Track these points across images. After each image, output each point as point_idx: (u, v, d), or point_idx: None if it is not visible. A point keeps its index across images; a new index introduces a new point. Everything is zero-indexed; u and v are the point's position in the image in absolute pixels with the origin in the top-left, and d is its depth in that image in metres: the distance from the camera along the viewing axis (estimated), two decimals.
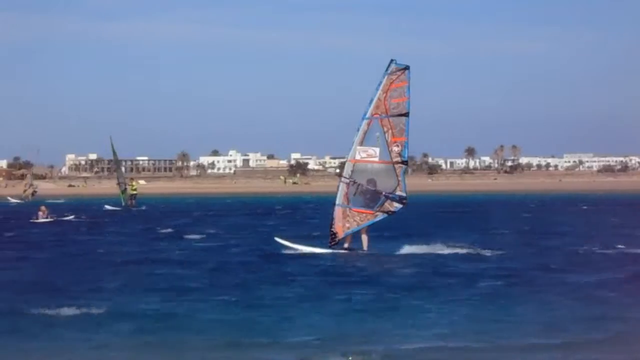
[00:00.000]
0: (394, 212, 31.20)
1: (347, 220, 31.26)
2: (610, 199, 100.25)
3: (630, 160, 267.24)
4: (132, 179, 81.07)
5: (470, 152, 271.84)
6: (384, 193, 31.05)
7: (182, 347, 16.25)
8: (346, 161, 31.90)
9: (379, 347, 15.94)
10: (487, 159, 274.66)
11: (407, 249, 32.00)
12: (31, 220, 56.73)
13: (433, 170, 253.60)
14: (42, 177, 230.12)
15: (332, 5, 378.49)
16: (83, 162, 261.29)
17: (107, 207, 77.33)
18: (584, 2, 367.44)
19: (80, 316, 19.19)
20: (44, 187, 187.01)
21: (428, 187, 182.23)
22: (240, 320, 18.69)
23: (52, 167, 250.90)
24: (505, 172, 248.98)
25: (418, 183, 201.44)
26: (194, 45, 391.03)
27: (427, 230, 44.06)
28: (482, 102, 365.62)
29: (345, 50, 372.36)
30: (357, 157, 31.36)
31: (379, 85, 31.21)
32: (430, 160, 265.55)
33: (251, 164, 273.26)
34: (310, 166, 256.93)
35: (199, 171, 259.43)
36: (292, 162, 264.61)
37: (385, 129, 31.04)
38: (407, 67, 31.16)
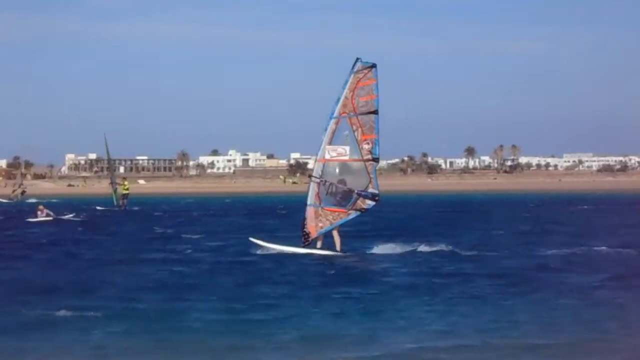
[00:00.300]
0: (366, 210, 31.18)
1: (319, 220, 31.22)
2: (610, 198, 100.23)
3: (630, 160, 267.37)
4: (124, 178, 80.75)
5: (470, 152, 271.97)
6: (356, 191, 31.07)
7: (180, 348, 16.22)
8: (315, 161, 31.88)
9: (377, 347, 15.92)
10: (486, 159, 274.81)
11: (399, 249, 32.06)
12: (29, 220, 56.78)
13: (433, 170, 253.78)
14: (42, 177, 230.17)
15: (332, 5, 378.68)
16: (83, 162, 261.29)
17: (99, 207, 77.28)
18: (584, 2, 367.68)
19: (78, 316, 19.16)
20: (44, 187, 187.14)
21: (428, 186, 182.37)
22: (237, 320, 18.67)
23: (51, 166, 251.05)
24: (505, 171, 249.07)
25: (418, 183, 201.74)
26: (194, 45, 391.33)
27: (427, 230, 44.05)
28: (481, 101, 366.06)
29: (346, 50, 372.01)
30: (327, 156, 31.34)
31: (346, 84, 31.12)
32: (429, 160, 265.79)
33: (251, 163, 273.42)
34: (310, 166, 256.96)
35: (198, 171, 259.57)
36: (292, 161, 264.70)
37: (355, 127, 31.01)
38: (373, 65, 31.12)
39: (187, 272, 26.90)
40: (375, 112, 30.92)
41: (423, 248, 32.33)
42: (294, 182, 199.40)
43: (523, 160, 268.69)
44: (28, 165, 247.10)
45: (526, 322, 18.12)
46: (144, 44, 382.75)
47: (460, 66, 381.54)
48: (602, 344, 16.14)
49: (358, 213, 31.14)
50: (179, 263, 29.52)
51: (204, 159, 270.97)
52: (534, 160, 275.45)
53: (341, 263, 29.01)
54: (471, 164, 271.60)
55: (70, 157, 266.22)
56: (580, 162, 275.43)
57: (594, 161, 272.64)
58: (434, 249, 32.22)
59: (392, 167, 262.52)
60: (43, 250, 35.45)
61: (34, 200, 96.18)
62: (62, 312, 19.45)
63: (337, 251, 31.05)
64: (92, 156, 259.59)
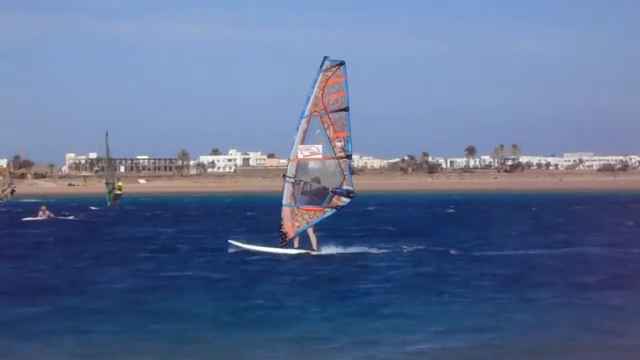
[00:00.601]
0: (342, 207, 31.29)
1: (296, 220, 31.30)
2: (611, 198, 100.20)
3: (631, 159, 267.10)
4: (117, 179, 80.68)
5: (471, 151, 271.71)
6: (330, 189, 31.12)
7: (180, 346, 16.26)
8: (289, 161, 31.88)
9: (376, 347, 15.96)
10: (487, 158, 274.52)
11: (392, 249, 32.16)
12: (27, 219, 56.94)
13: (433, 169, 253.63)
14: (43, 176, 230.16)
15: (333, 5, 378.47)
16: (83, 161, 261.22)
17: (92, 207, 77.24)
18: (585, 2, 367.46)
19: (77, 316, 19.19)
20: (45, 186, 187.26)
21: (428, 186, 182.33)
22: (237, 318, 18.72)
23: (52, 166, 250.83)
24: (506, 171, 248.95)
25: (418, 182, 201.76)
26: (194, 44, 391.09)
27: (424, 230, 44.09)
28: (482, 101, 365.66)
29: (345, 50, 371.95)
30: (300, 155, 31.45)
31: (315, 82, 31.21)
32: (430, 159, 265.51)
33: (251, 163, 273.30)
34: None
35: (199, 170, 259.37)
36: None
37: (326, 126, 31.10)
38: (342, 63, 31.22)
39: (185, 271, 26.92)
40: (346, 110, 31.04)
41: (418, 247, 32.34)
42: None
43: (524, 159, 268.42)
44: (28, 164, 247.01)
45: (522, 321, 18.15)
46: (145, 43, 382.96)
47: (461, 66, 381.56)
48: (598, 344, 16.17)
49: (334, 211, 31.25)
50: (177, 262, 29.56)
51: (205, 159, 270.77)
52: (535, 160, 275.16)
53: (336, 263, 29.04)
54: (472, 163, 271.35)
55: (70, 157, 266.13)
56: (581, 161, 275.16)
57: (595, 160, 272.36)
58: (430, 248, 32.22)
59: (393, 167, 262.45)
60: (44, 249, 35.50)
61: (25, 200, 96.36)
62: (61, 312, 19.54)
63: (314, 250, 31.12)
64: (93, 155, 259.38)
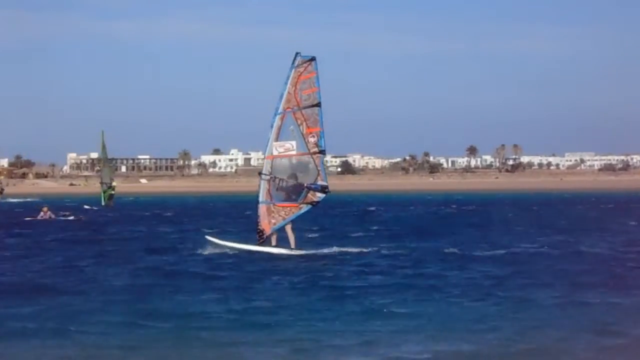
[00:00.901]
0: (317, 203, 31.38)
1: (272, 217, 31.36)
2: (612, 197, 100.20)
3: (632, 158, 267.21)
4: (111, 179, 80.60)
5: (472, 151, 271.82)
6: (305, 185, 31.16)
7: (180, 345, 16.22)
8: (264, 159, 31.92)
9: (376, 347, 15.92)
10: (488, 158, 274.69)
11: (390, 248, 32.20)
12: (27, 218, 57.17)
13: (434, 169, 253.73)
14: (44, 176, 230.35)
15: (332, 4, 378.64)
16: (84, 161, 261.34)
17: (86, 206, 77.25)
18: (585, 2, 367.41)
19: (75, 316, 19.16)
20: (46, 186, 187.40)
21: (429, 186, 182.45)
22: (236, 316, 18.69)
23: (53, 165, 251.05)
24: (507, 171, 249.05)
25: (419, 182, 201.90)
26: (195, 44, 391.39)
27: (429, 230, 44.07)
28: (483, 101, 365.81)
29: (345, 50, 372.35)
30: (275, 152, 31.54)
31: (287, 79, 31.32)
32: (431, 159, 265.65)
33: (253, 162, 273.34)
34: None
35: (200, 170, 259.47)
36: None
37: (299, 122, 31.20)
38: (313, 59, 31.35)
39: (184, 271, 26.91)
40: (318, 105, 31.10)
41: (419, 247, 32.35)
42: None
43: (525, 159, 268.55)
44: (29, 164, 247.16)
45: (521, 321, 18.11)
46: (146, 43, 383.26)
47: (462, 65, 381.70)
48: (598, 344, 16.13)
49: (310, 207, 31.33)
50: (175, 262, 29.55)
51: (206, 158, 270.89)
52: (536, 160, 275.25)
53: (336, 263, 29.01)
54: (473, 163, 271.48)
55: (72, 156, 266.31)
56: (582, 161, 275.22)
57: (596, 160, 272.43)
58: (430, 248, 32.21)
59: (394, 166, 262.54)
60: (45, 249, 35.48)
61: (15, 200, 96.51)
62: (60, 312, 19.50)
63: (291, 249, 31.14)
64: (94, 155, 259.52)
